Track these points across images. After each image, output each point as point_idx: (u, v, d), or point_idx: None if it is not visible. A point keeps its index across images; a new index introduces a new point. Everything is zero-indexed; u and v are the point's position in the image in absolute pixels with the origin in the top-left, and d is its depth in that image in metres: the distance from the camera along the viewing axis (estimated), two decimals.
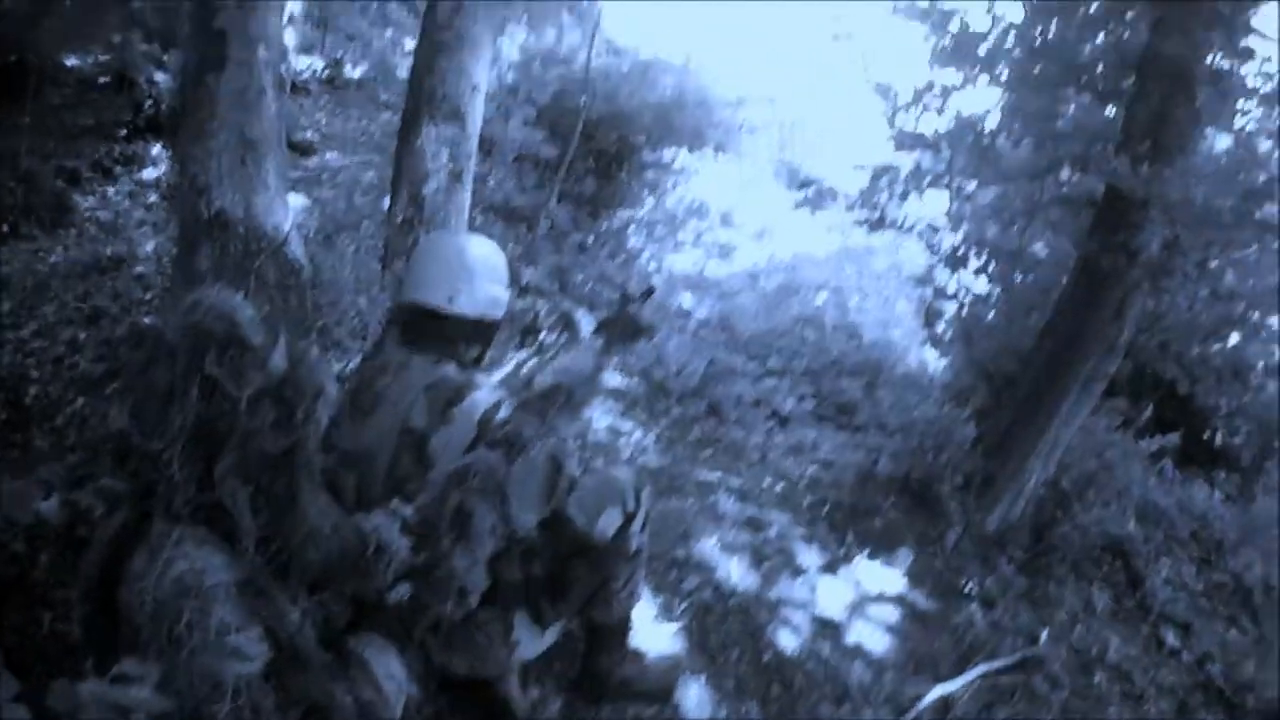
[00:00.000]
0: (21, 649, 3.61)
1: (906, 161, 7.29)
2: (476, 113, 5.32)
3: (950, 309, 7.65)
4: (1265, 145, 6.25)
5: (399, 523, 2.88)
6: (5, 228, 6.70)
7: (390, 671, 2.78)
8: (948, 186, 7.20)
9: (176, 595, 2.29)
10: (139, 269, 6.44)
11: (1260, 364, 8.28)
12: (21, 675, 2.54)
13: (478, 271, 3.67)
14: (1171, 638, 6.08)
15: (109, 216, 7.02)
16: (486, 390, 3.45)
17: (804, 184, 7.35)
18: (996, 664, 5.26)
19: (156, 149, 7.89)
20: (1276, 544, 7.19)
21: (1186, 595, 6.49)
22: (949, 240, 7.36)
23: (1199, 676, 5.84)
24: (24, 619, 3.81)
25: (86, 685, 2.27)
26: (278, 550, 2.51)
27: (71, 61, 8.38)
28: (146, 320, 5.70)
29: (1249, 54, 6.12)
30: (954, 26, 6.79)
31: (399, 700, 2.80)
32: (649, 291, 4.13)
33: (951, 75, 6.96)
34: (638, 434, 6.94)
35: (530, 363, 4.14)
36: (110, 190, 7.34)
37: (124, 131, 7.87)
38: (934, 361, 10.15)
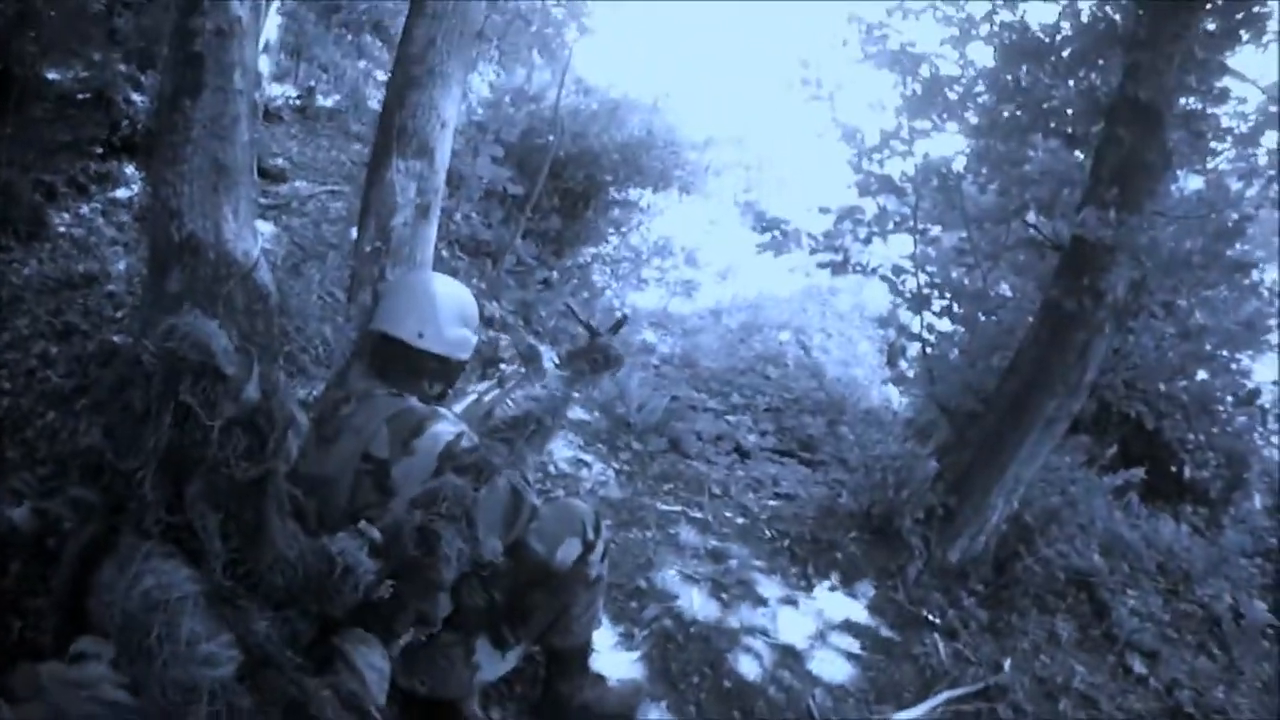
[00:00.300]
0: None
1: (871, 205, 7.33)
2: (445, 148, 5.35)
3: (913, 348, 7.70)
4: (1236, 185, 6.34)
5: (366, 545, 2.90)
6: None
7: (372, 662, 2.81)
8: (912, 230, 7.23)
9: (145, 609, 2.31)
10: (110, 287, 6.42)
11: (1229, 398, 8.36)
12: None
13: (449, 312, 3.77)
14: (1139, 665, 6.09)
15: (82, 233, 7.00)
16: (448, 423, 3.50)
17: (767, 226, 7.34)
18: (959, 691, 5.29)
19: (130, 169, 7.87)
20: (1245, 573, 7.28)
21: (1153, 625, 6.51)
22: (912, 282, 7.40)
23: (1168, 703, 5.86)
24: None
25: (46, 665, 2.30)
26: (245, 573, 2.54)
27: (52, 76, 8.37)
28: (117, 339, 5.71)
29: (1224, 95, 6.24)
30: (924, 72, 6.87)
31: (381, 689, 2.82)
32: (620, 322, 4.19)
33: (920, 121, 7.03)
34: (599, 467, 6.96)
35: (491, 394, 4.21)
36: (84, 208, 7.32)
37: (100, 149, 7.86)
38: (896, 399, 10.22)
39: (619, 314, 4.41)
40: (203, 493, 2.40)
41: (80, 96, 8.39)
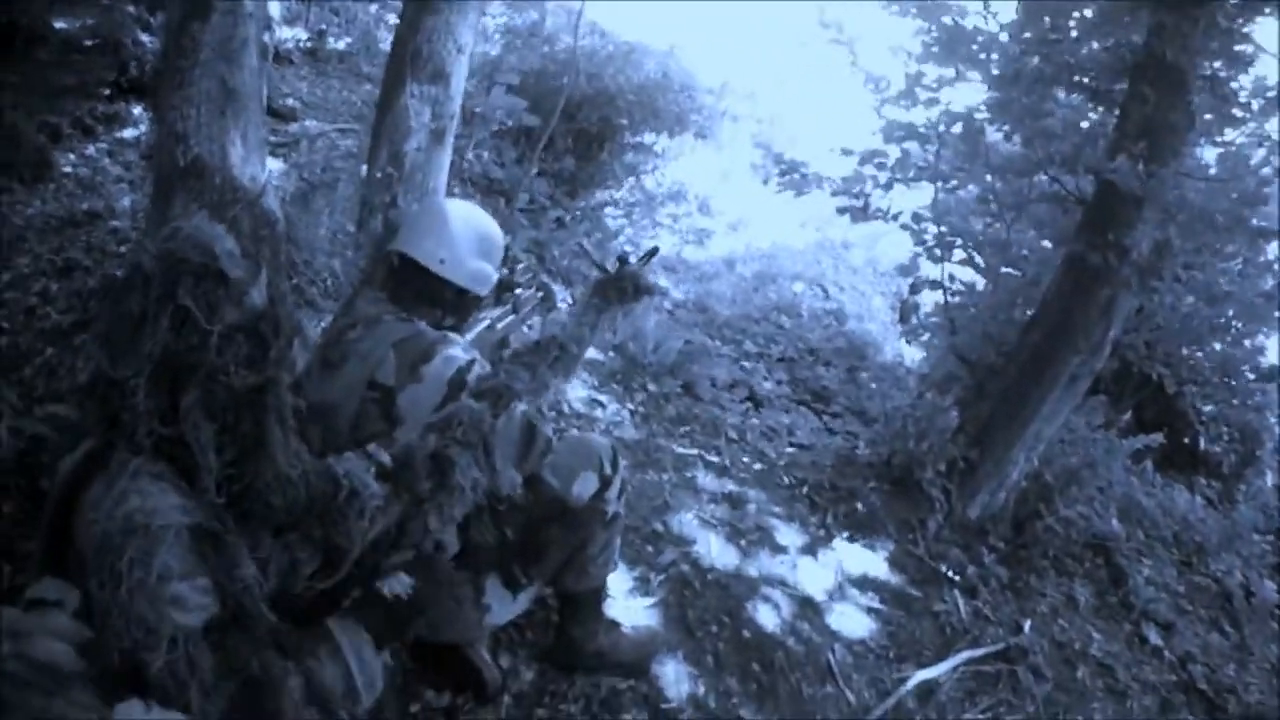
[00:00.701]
0: None
1: (894, 151, 7.20)
2: (461, 74, 5.26)
3: (928, 303, 7.61)
4: (1259, 154, 6.23)
5: (373, 467, 2.76)
6: None
7: (364, 657, 2.63)
8: (934, 179, 7.12)
9: (124, 532, 2.16)
10: (114, 223, 6.32)
11: (1249, 372, 8.28)
12: None
13: (472, 241, 3.63)
14: (1154, 636, 6.04)
15: (87, 173, 6.92)
16: (458, 349, 3.36)
17: (785, 169, 7.22)
18: (979, 651, 5.20)
19: (138, 110, 7.80)
20: (1257, 550, 7.20)
21: (1168, 595, 6.47)
22: (933, 231, 7.27)
23: (1182, 676, 5.81)
24: None
25: (4, 610, 2.16)
26: (240, 493, 2.40)
27: (59, 24, 8.29)
28: (119, 273, 5.63)
29: (1247, 61, 6.11)
30: (947, 20, 6.72)
31: (369, 696, 2.64)
32: (651, 253, 4.03)
33: (943, 71, 6.92)
34: (614, 407, 6.85)
35: (505, 321, 4.08)
36: (90, 148, 7.24)
37: (107, 91, 7.79)
38: (909, 356, 10.15)
39: (653, 246, 4.26)
40: (198, 402, 2.25)
41: (88, 42, 8.31)
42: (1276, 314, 6.67)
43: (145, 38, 8.14)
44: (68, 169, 6.95)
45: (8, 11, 7.67)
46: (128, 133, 7.62)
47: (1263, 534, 7.66)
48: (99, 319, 2.38)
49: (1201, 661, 5.96)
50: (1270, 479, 8.83)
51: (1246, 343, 7.81)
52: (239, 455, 2.35)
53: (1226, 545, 7.27)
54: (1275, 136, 6.26)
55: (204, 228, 2.35)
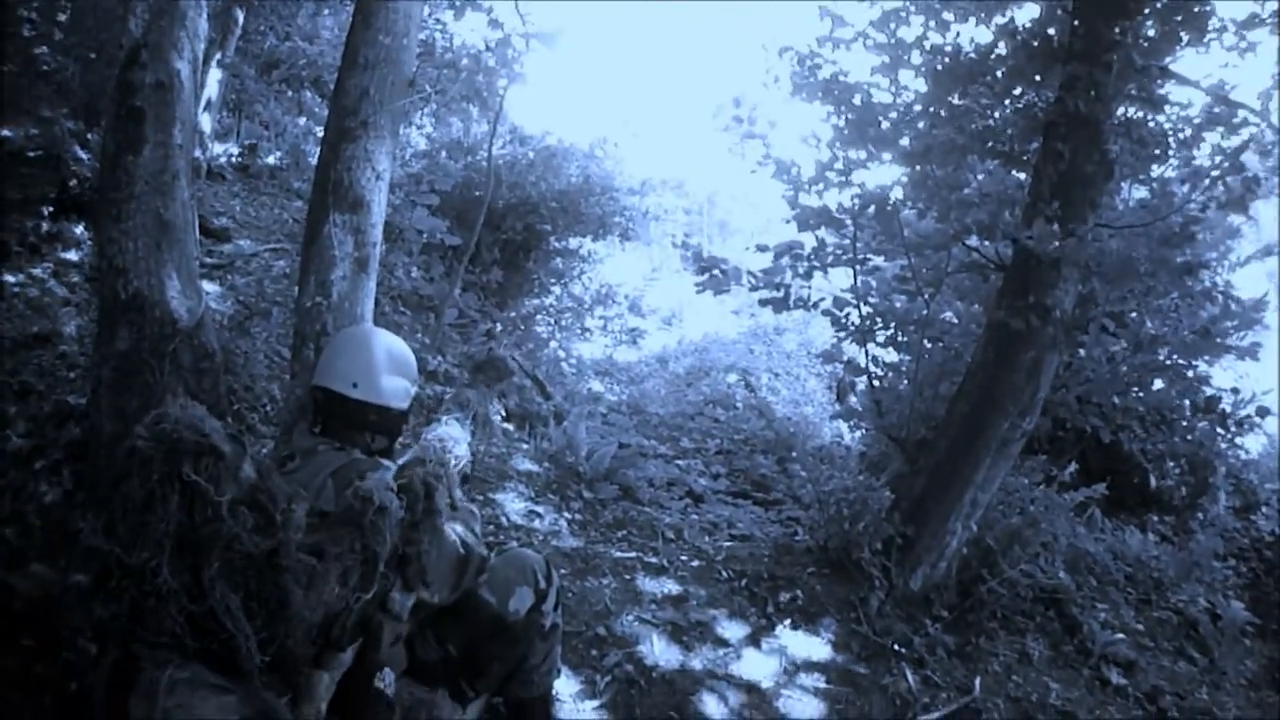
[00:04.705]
0: None
1: (809, 239, 7.33)
2: (381, 200, 5.33)
3: (862, 381, 7.71)
4: (1181, 190, 6.40)
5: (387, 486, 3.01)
6: None
7: None
8: (852, 262, 7.22)
9: None
10: (63, 348, 6.38)
11: (1187, 405, 8.44)
12: None
13: (382, 362, 3.79)
14: (1116, 676, 6.15)
15: (35, 294, 6.96)
16: (391, 472, 3.46)
17: (705, 266, 7.33)
18: (933, 715, 5.29)
19: (79, 229, 7.83)
20: (1220, 575, 7.35)
21: (1127, 635, 6.57)
22: (855, 314, 7.41)
23: (1150, 710, 5.93)
24: None
25: None
26: (276, 655, 2.52)
27: (5, 132, 8.34)
28: (71, 399, 5.67)
29: (1162, 101, 6.30)
30: (856, 101, 6.89)
31: None
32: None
33: (854, 151, 7.04)
34: (551, 517, 6.90)
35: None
36: (37, 269, 7.27)
37: (49, 209, 7.83)
38: (848, 435, 10.26)
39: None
40: (222, 573, 2.37)
41: (31, 154, 8.36)
42: (1219, 340, 6.75)
43: (83, 154, 8.20)
44: (16, 288, 6.99)
45: None
46: (71, 254, 7.66)
47: (1223, 559, 7.80)
48: (99, 507, 2.49)
49: (1170, 692, 6.08)
50: (1224, 503, 8.98)
51: (1189, 374, 7.90)
52: (266, 620, 2.47)
53: (1185, 576, 7.41)
54: (1205, 163, 6.45)
55: (189, 409, 2.48)
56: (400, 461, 3.46)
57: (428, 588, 3.24)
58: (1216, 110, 6.32)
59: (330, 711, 2.94)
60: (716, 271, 7.42)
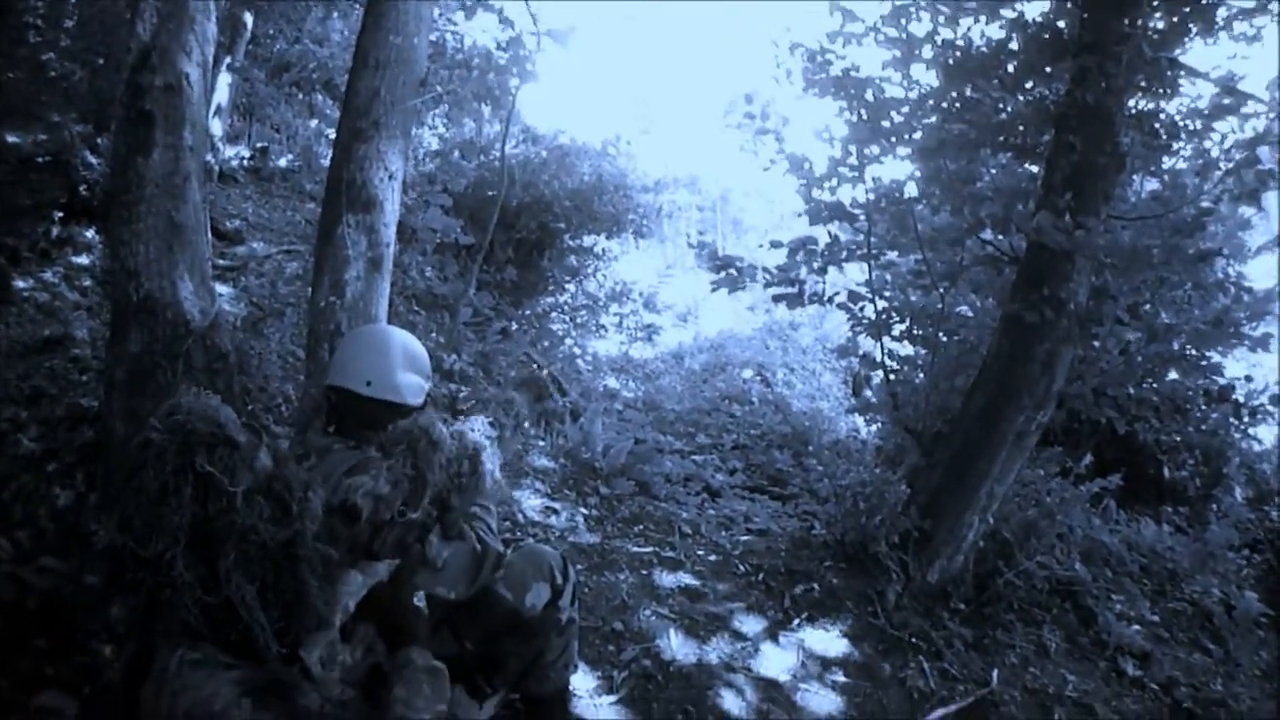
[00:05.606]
0: None
1: (824, 234, 7.30)
2: (394, 200, 5.34)
3: (878, 374, 7.69)
4: (1194, 181, 6.36)
5: (382, 475, 3.04)
6: None
7: None
8: (866, 257, 7.21)
9: None
10: (75, 351, 6.41)
11: (1201, 395, 8.41)
12: None
13: (395, 359, 3.75)
14: (1131, 668, 6.14)
15: (46, 298, 6.98)
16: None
17: (721, 264, 7.30)
18: (951, 708, 5.27)
19: (90, 234, 7.84)
20: (1234, 567, 7.33)
21: (1142, 626, 6.57)
22: (871, 309, 7.39)
23: (1165, 701, 5.90)
24: None
25: None
26: (292, 644, 2.53)
27: (13, 138, 8.34)
28: (83, 402, 5.69)
29: (1175, 91, 6.27)
30: (869, 97, 6.87)
31: None
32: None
33: (867, 148, 7.00)
34: (567, 513, 6.91)
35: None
36: (48, 273, 7.29)
37: (59, 214, 7.84)
38: (864, 428, 10.23)
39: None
40: (238, 564, 2.38)
41: (40, 159, 8.37)
42: (1231, 330, 6.70)
43: (93, 159, 8.21)
44: (26, 293, 7.00)
45: None
46: (82, 258, 7.68)
47: (1237, 550, 7.79)
48: (112, 503, 2.50)
49: (1185, 683, 6.05)
50: (1239, 494, 8.94)
51: (1203, 363, 7.81)
52: (283, 610, 2.47)
53: (1200, 567, 7.38)
54: (1215, 154, 6.40)
55: (203, 400, 2.48)
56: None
57: (463, 540, 3.31)
58: (1226, 101, 6.29)
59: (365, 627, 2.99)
60: (731, 270, 7.41)
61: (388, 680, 2.79)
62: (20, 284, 7.03)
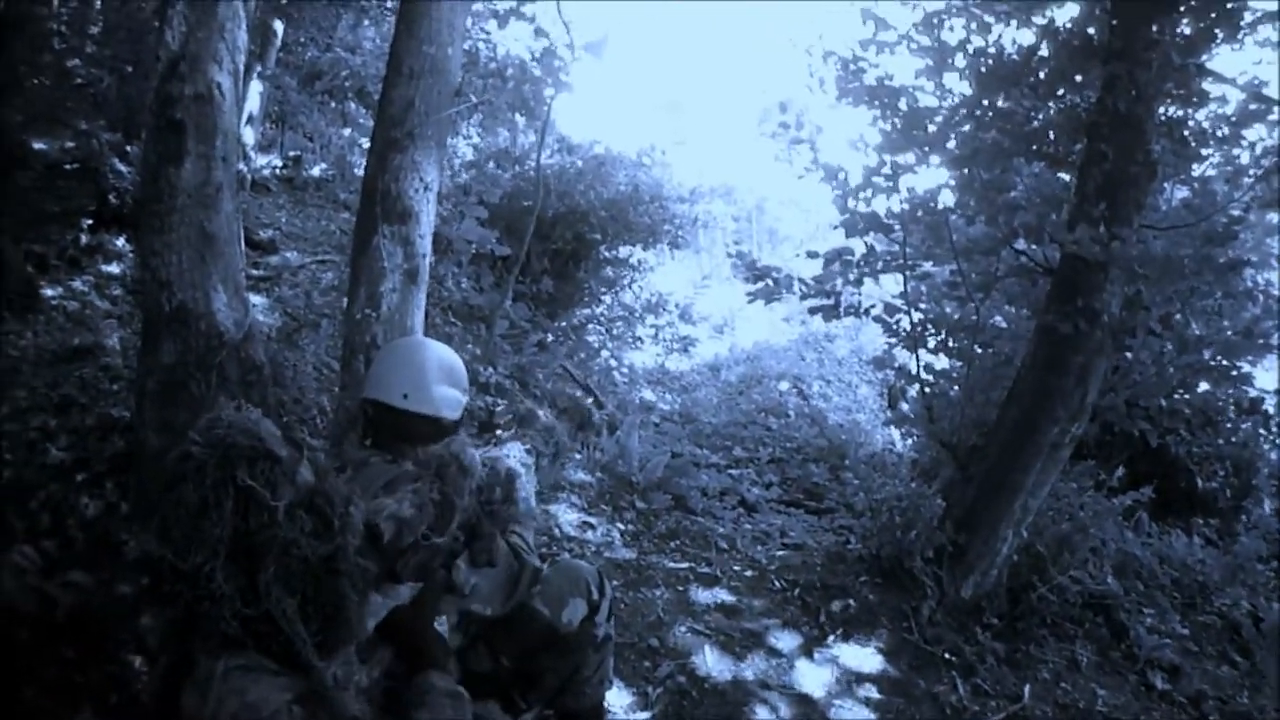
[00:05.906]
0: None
1: (859, 245, 7.28)
2: (429, 211, 5.33)
3: (914, 386, 7.64)
4: (1223, 189, 6.31)
5: (407, 499, 3.07)
6: None
7: None
8: (902, 268, 7.16)
9: None
10: (105, 360, 6.40)
11: (1231, 407, 8.34)
12: None
13: (433, 372, 3.72)
14: (1161, 681, 6.12)
15: (75, 307, 6.97)
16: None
17: (758, 275, 7.27)
18: None
19: (120, 242, 7.85)
20: (1263, 579, 7.28)
21: (1172, 640, 6.52)
22: (906, 321, 7.34)
23: (1194, 715, 5.88)
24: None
25: None
26: (329, 655, 2.51)
27: (40, 145, 8.36)
28: (114, 412, 5.69)
29: (1204, 98, 6.21)
30: (902, 105, 6.83)
31: None
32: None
33: (902, 156, 6.96)
34: (604, 528, 6.90)
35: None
36: (77, 281, 7.30)
37: (89, 221, 7.83)
38: (900, 441, 10.19)
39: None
40: (278, 577, 2.35)
41: (68, 166, 8.39)
42: (1261, 340, 6.61)
43: (123, 167, 8.21)
44: (55, 301, 7.01)
45: None
46: (112, 267, 7.69)
47: (1266, 561, 7.73)
48: (151, 514, 2.48)
49: (1213, 697, 6.03)
50: (1268, 506, 8.91)
51: (1233, 374, 7.70)
52: (322, 624, 2.44)
53: (1230, 579, 7.35)
54: (1244, 160, 6.38)
55: (243, 413, 2.46)
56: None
57: (493, 566, 3.31)
58: (1253, 107, 6.23)
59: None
60: (768, 280, 7.37)
61: (408, 703, 2.75)
62: (49, 292, 7.03)
